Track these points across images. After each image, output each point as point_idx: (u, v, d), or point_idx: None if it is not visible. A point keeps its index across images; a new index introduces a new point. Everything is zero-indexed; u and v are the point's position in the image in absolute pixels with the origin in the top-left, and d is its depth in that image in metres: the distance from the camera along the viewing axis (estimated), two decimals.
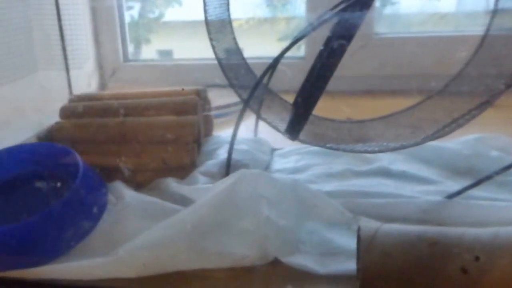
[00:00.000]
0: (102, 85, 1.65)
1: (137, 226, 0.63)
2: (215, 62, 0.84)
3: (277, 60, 0.67)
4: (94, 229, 0.64)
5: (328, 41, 0.69)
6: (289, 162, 0.92)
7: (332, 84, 1.49)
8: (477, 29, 0.77)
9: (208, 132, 0.97)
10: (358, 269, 0.53)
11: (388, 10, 1.59)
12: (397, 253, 0.48)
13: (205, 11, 0.67)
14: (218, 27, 0.76)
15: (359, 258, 0.52)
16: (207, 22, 0.68)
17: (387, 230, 0.50)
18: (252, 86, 0.70)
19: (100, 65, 1.69)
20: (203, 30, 0.72)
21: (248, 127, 1.03)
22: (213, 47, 0.69)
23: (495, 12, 0.73)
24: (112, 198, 0.71)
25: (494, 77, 0.68)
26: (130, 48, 1.84)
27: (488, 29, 0.74)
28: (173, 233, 0.58)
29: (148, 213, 0.66)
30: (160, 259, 0.56)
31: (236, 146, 0.91)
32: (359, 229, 0.51)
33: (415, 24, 1.57)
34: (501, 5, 0.73)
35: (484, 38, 0.75)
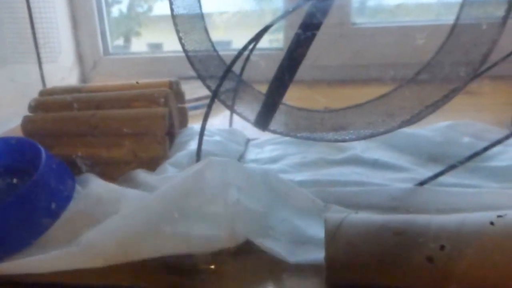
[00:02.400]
0: (83, 78, 1.64)
1: (101, 213, 0.61)
2: (195, 54, 0.83)
3: (245, 48, 0.66)
4: (55, 222, 0.62)
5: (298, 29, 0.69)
6: (263, 152, 0.92)
7: (309, 74, 1.49)
8: (452, 18, 0.77)
9: (183, 124, 0.96)
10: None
11: (371, 1, 1.60)
12: (361, 243, 0.48)
13: (171, 2, 0.66)
14: (187, 18, 0.76)
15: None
16: (173, 14, 0.67)
17: (352, 220, 0.50)
18: (221, 75, 0.69)
19: (80, 59, 1.67)
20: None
21: (225, 117, 1.03)
22: (180, 38, 0.68)
23: (464, 1, 0.73)
24: (79, 189, 0.70)
25: (463, 65, 0.68)
26: (119, 42, 1.83)
27: (457, 18, 0.74)
28: (137, 221, 0.57)
29: (112, 200, 0.65)
30: (124, 248, 0.55)
31: (209, 137, 0.91)
32: (325, 220, 0.51)
33: (399, 15, 1.57)
34: None
35: (453, 27, 0.75)
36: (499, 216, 0.46)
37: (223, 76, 0.68)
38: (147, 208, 0.59)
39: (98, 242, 0.55)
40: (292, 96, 1.15)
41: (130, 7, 1.78)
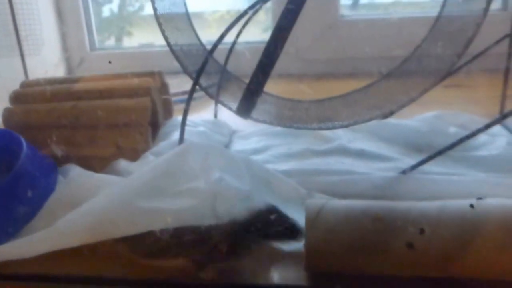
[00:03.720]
0: (70, 74, 1.63)
1: (82, 201, 0.59)
2: (196, 47, 0.82)
3: (222, 36, 0.65)
4: (39, 210, 0.62)
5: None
6: (249, 144, 0.91)
7: (297, 67, 1.49)
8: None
9: (168, 115, 0.96)
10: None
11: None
12: (341, 229, 0.48)
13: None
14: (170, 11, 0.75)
15: None
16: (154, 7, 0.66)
17: (332, 206, 0.50)
18: (202, 62, 0.68)
19: (67, 55, 1.66)
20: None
21: (213, 110, 1.02)
22: (163, 31, 0.67)
23: None
24: (61, 179, 0.69)
25: (448, 50, 0.68)
26: (110, 42, 1.82)
27: (441, 10, 0.74)
28: (113, 199, 0.56)
29: (93, 187, 0.64)
30: (102, 225, 0.54)
31: (193, 128, 0.90)
32: (305, 207, 0.50)
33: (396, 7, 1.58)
34: None
35: (437, 18, 0.75)
36: (479, 199, 0.45)
37: (204, 62, 0.67)
38: (124, 187, 0.58)
39: (73, 222, 0.54)
40: (280, 90, 1.15)
41: (121, 6, 1.77)
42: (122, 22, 1.78)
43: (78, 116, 0.76)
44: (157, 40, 1.65)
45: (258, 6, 0.69)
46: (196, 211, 0.56)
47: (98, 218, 0.54)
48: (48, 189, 0.65)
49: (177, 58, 0.69)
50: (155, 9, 0.68)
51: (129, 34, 1.79)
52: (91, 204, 0.57)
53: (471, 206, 0.45)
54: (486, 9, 0.60)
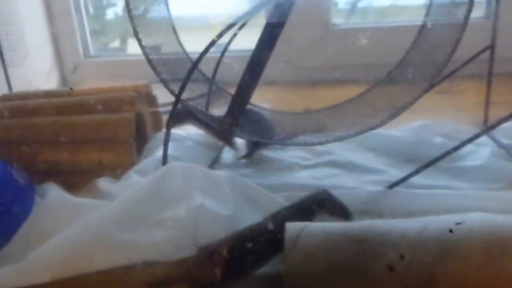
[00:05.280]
0: (63, 82, 1.62)
1: (58, 228, 0.58)
2: (178, 56, 0.81)
3: (207, 49, 0.64)
4: (13, 236, 0.60)
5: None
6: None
7: (291, 75, 1.48)
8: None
9: (157, 128, 0.94)
10: None
11: (362, 3, 1.60)
12: (321, 253, 0.47)
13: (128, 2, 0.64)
14: (151, 19, 0.74)
15: None
16: (130, 14, 0.64)
17: (312, 229, 0.49)
18: (185, 76, 0.67)
19: (60, 62, 1.64)
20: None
21: None
22: (141, 43, 0.66)
23: (431, 4, 0.72)
24: (39, 200, 0.67)
25: (432, 65, 0.67)
26: (115, 44, 1.80)
27: (425, 19, 0.74)
28: (89, 231, 0.54)
29: (70, 214, 0.63)
30: (75, 259, 0.52)
31: (181, 142, 0.89)
32: (285, 230, 0.49)
33: (389, 16, 1.57)
34: None
35: (421, 27, 0.75)
36: (457, 224, 0.44)
37: (187, 76, 0.66)
38: (100, 217, 0.56)
39: (46, 256, 0.53)
40: (272, 98, 1.13)
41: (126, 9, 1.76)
42: (126, 25, 1.77)
43: (59, 132, 0.75)
44: (163, 43, 1.64)
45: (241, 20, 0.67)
46: (175, 242, 0.55)
47: (71, 251, 0.53)
48: (23, 214, 0.63)
49: (157, 73, 0.67)
50: (131, 18, 0.67)
51: (133, 36, 1.78)
52: (64, 235, 0.55)
53: (450, 231, 0.44)
54: (467, 17, 0.60)
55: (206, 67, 0.85)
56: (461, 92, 1.13)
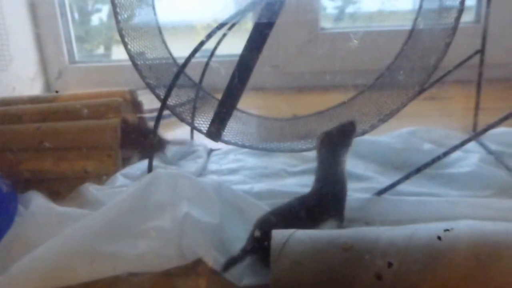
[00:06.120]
0: (48, 88, 1.60)
1: (41, 238, 0.57)
2: (165, 61, 0.80)
3: (196, 51, 0.63)
4: None
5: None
6: (226, 163, 0.89)
7: (279, 81, 1.47)
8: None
9: None
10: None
11: (350, 8, 1.60)
12: (308, 261, 0.46)
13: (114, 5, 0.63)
14: (137, 24, 0.73)
15: None
16: (117, 18, 0.63)
17: (299, 237, 0.48)
18: (171, 82, 0.66)
19: (44, 68, 1.62)
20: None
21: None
22: (127, 46, 0.65)
23: (420, 9, 0.72)
24: (22, 209, 0.65)
25: (421, 69, 0.67)
26: (100, 50, 1.78)
27: (413, 25, 0.73)
28: (72, 243, 0.53)
29: (53, 224, 0.61)
30: (58, 271, 0.51)
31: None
32: (271, 238, 0.48)
33: (377, 21, 1.57)
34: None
35: (411, 32, 0.74)
36: (446, 230, 0.43)
37: (173, 80, 0.65)
38: (83, 228, 0.55)
39: (28, 268, 0.51)
40: (260, 103, 1.12)
41: (110, 15, 1.74)
42: (110, 31, 1.75)
43: (42, 139, 0.73)
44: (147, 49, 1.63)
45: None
46: (160, 253, 0.54)
47: (54, 263, 0.52)
48: (5, 223, 0.61)
49: (143, 77, 0.66)
50: (118, 21, 0.66)
51: (118, 43, 1.76)
52: (47, 246, 0.54)
53: (439, 238, 0.43)
54: (457, 21, 0.60)
55: (193, 73, 0.84)
56: (450, 98, 1.13)
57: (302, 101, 1.34)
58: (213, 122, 0.67)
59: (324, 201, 0.58)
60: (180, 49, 0.81)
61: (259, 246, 0.52)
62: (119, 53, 1.71)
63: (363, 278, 0.44)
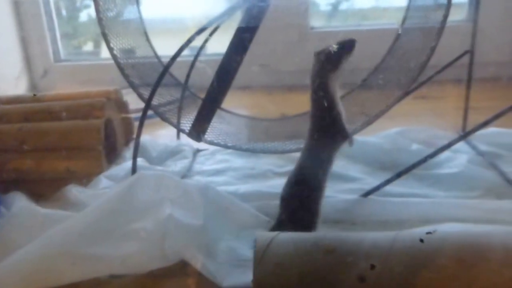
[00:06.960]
0: (32, 88, 1.58)
1: (24, 239, 0.56)
2: (150, 60, 0.79)
3: (182, 49, 0.62)
4: None
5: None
6: (212, 164, 0.88)
7: (269, 79, 1.46)
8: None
9: (127, 134, 0.92)
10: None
11: (343, 5, 1.59)
12: (291, 264, 0.45)
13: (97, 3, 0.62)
14: (120, 21, 0.71)
15: None
16: (99, 16, 0.62)
17: (282, 239, 0.47)
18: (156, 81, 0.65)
19: (29, 67, 1.60)
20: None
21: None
22: (109, 44, 0.64)
23: (408, 9, 0.71)
24: (4, 211, 0.64)
25: (407, 71, 0.66)
26: (88, 47, 1.76)
27: (402, 25, 0.73)
28: (56, 244, 0.53)
29: (36, 226, 0.60)
30: (41, 274, 0.51)
31: (153, 150, 0.87)
32: (255, 239, 0.48)
33: (371, 18, 1.57)
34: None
35: (398, 34, 0.74)
36: (428, 233, 0.43)
37: (158, 80, 0.64)
38: (66, 230, 0.54)
39: (10, 271, 0.50)
40: (246, 103, 1.11)
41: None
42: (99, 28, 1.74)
43: (24, 139, 0.72)
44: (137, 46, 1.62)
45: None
46: (144, 255, 0.53)
47: (37, 265, 0.51)
48: None
49: (125, 76, 0.65)
50: (100, 19, 0.64)
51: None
52: (30, 248, 0.53)
53: (421, 240, 0.43)
54: (440, 31, 0.60)
55: (178, 72, 0.83)
56: (440, 97, 1.13)
57: (291, 101, 1.33)
58: (195, 122, 0.66)
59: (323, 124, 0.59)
60: (169, 48, 0.80)
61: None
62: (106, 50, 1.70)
63: (346, 281, 0.44)
